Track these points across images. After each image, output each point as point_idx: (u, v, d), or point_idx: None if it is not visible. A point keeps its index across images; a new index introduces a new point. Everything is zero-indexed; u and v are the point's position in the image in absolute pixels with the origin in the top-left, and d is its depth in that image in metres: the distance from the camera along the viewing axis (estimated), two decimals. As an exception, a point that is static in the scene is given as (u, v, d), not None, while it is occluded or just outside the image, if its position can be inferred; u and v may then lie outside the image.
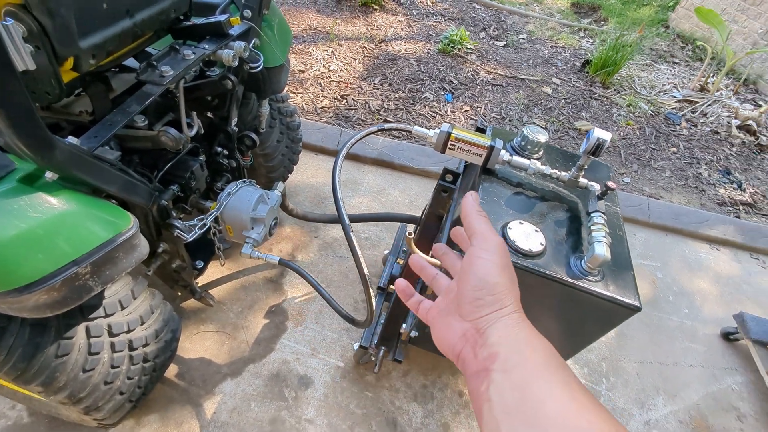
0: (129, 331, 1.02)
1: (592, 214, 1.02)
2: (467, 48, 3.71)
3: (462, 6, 4.65)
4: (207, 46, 1.09)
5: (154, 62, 0.95)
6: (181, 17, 1.12)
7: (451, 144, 1.13)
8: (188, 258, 1.34)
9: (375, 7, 4.10)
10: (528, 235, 0.97)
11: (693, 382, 1.83)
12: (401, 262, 1.65)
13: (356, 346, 1.49)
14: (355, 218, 1.71)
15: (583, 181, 1.11)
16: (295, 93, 2.92)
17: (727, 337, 2.02)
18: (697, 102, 3.58)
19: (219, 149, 1.44)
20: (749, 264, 2.48)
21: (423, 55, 3.56)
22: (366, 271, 0.93)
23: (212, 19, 1.13)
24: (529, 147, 1.21)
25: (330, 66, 3.21)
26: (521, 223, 0.99)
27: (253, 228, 1.29)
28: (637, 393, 1.75)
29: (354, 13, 3.98)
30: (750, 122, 3.42)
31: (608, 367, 1.81)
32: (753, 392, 1.84)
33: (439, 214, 1.27)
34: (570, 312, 1.00)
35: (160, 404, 1.40)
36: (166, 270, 1.33)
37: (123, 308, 1.01)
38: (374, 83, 3.14)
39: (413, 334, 1.16)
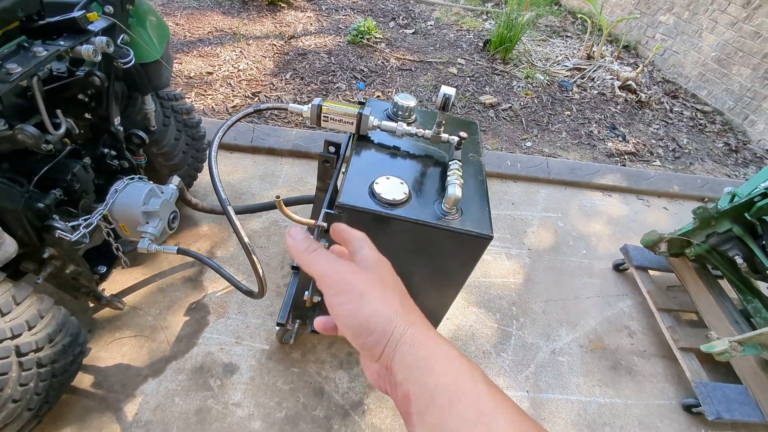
0: (15, 337, 1.01)
1: (450, 163, 1.15)
2: (376, 37, 3.84)
3: (370, -2, 4.77)
4: (62, 42, 1.08)
5: (-1, 61, 0.94)
6: (34, 17, 1.11)
7: (323, 117, 1.21)
8: (84, 263, 1.32)
9: (282, 5, 4.11)
10: (394, 188, 1.08)
11: (591, 311, 2.08)
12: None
13: (276, 326, 1.54)
14: (256, 208, 1.75)
15: (444, 136, 1.24)
16: (204, 95, 2.87)
17: (618, 268, 2.30)
18: (585, 69, 3.97)
19: (106, 150, 1.42)
20: (636, 204, 2.82)
21: (333, 48, 3.63)
22: (247, 240, 0.99)
23: (67, 16, 1.12)
24: (401, 113, 1.33)
25: (239, 66, 3.19)
26: (388, 178, 1.10)
27: (147, 223, 1.30)
28: (543, 328, 1.95)
29: (261, 12, 3.96)
30: (630, 82, 3.86)
31: (518, 310, 2.01)
32: (640, 311, 2.12)
33: (326, 185, 1.35)
34: (439, 251, 1.12)
35: (76, 415, 1.36)
36: (62, 278, 1.30)
37: (3, 314, 0.99)
38: (285, 78, 3.16)
39: (316, 299, 1.24)
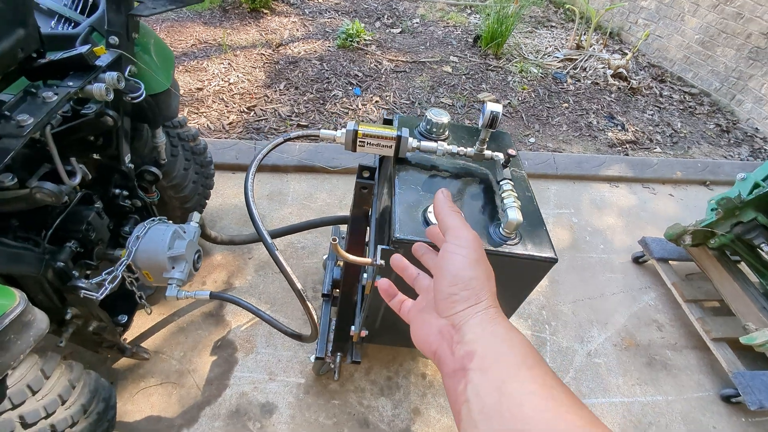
0: (49, 416, 0.91)
1: (501, 182, 1.09)
2: (365, 40, 3.75)
3: (352, -2, 4.66)
4: (71, 83, 0.97)
5: (6, 112, 0.84)
6: (34, 55, 1.00)
7: (360, 141, 1.14)
8: (107, 316, 1.22)
9: (265, 11, 3.96)
10: (448, 215, 1.01)
11: (618, 307, 2.07)
12: (341, 264, 1.64)
13: (312, 358, 1.46)
14: (285, 231, 1.66)
15: (487, 153, 1.18)
16: (197, 113, 2.74)
17: (637, 260, 2.30)
18: (576, 59, 3.98)
19: (117, 191, 1.31)
20: (643, 193, 2.84)
21: (324, 54, 3.52)
22: (300, 286, 0.92)
23: (72, 52, 1.01)
24: (434, 130, 1.26)
25: (229, 79, 3.06)
26: (440, 205, 1.04)
27: (174, 267, 1.20)
28: (575, 330, 1.93)
29: (244, 20, 3.81)
30: (621, 70, 3.88)
31: (548, 313, 1.98)
32: (665, 303, 2.13)
33: (364, 212, 1.28)
34: (499, 277, 1.07)
35: (111, 480, 1.26)
36: (84, 335, 1.20)
37: (34, 393, 0.89)
38: (280, 89, 3.05)
39: (364, 333, 1.17)
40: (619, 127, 3.36)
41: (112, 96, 1.04)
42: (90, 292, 1.02)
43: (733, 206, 1.80)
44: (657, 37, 4.59)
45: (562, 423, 0.27)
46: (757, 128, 3.78)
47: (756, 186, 1.77)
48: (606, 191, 2.79)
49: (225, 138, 2.57)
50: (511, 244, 1.00)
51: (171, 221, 1.32)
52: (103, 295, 1.03)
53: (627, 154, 3.11)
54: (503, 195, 1.05)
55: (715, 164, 3.16)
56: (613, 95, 3.72)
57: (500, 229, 1.01)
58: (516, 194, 1.04)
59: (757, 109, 3.80)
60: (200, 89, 2.92)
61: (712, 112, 3.92)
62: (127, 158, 1.28)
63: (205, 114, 2.73)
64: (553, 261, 1.00)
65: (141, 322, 1.64)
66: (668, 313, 2.08)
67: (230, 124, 2.69)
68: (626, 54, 4.23)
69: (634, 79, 3.97)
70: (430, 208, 1.02)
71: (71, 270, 1.04)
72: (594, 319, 1.99)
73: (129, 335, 1.57)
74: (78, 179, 1.04)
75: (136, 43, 1.24)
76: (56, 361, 0.97)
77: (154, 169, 1.37)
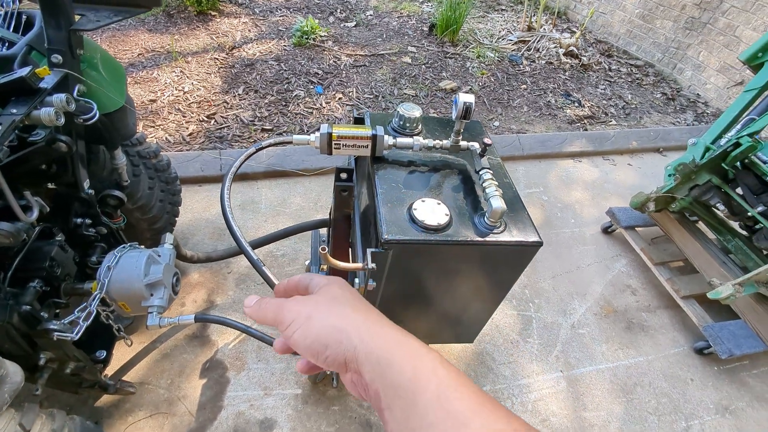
0: (35, 472, 0.84)
1: (480, 172, 1.11)
2: (321, 36, 3.67)
3: (302, -6, 4.55)
4: (15, 110, 0.89)
5: (-56, 149, 0.75)
6: (-35, 83, 0.90)
7: (335, 143, 1.11)
8: (84, 355, 1.14)
9: (213, 13, 3.80)
10: (433, 210, 1.01)
11: (594, 277, 2.16)
12: (324, 268, 1.62)
13: (308, 367, 1.43)
14: (263, 241, 1.61)
15: (463, 144, 1.19)
16: (153, 126, 2.60)
17: (606, 231, 2.41)
18: (529, 40, 4.07)
19: (79, 220, 1.22)
20: (604, 165, 2.97)
21: (280, 53, 3.43)
22: (293, 299, 0.89)
23: (12, 76, 0.92)
24: (407, 125, 1.25)
25: (184, 87, 2.92)
26: (423, 201, 1.03)
27: (152, 295, 1.14)
28: (558, 305, 2.01)
29: (191, 24, 3.64)
30: (571, 48, 4.02)
31: (530, 292, 2.04)
32: (636, 268, 2.25)
33: (345, 215, 1.26)
34: (488, 265, 1.09)
35: None
36: (62, 378, 1.12)
37: (17, 450, 0.82)
38: (239, 94, 2.94)
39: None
40: (576, 104, 3.49)
41: (62, 120, 0.97)
42: (63, 333, 0.95)
43: (689, 171, 1.92)
44: (601, 14, 4.78)
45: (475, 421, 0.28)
46: (698, 94, 4.03)
47: (707, 150, 1.89)
48: (570, 167, 2.89)
49: (187, 150, 2.46)
50: (497, 233, 1.01)
51: (142, 245, 1.25)
52: (79, 334, 0.97)
53: (586, 129, 3.23)
54: (484, 185, 1.06)
55: (665, 131, 3.34)
56: (566, 73, 3.85)
57: (485, 218, 1.02)
58: (496, 183, 1.05)
59: (697, 76, 4.05)
60: (153, 101, 2.77)
61: (657, 82, 4.13)
62: (86, 184, 1.20)
63: (162, 127, 2.59)
64: (538, 244, 1.03)
65: (121, 354, 1.55)
66: (640, 277, 2.20)
67: (190, 134, 2.57)
68: (575, 32, 4.38)
69: (585, 56, 4.12)
70: (416, 205, 1.01)
71: (39, 312, 0.97)
72: (574, 292, 2.07)
73: (110, 370, 1.49)
74: (35, 214, 0.96)
75: (82, 59, 1.15)
76: (35, 413, 0.90)
77: (117, 193, 1.29)
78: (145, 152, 1.55)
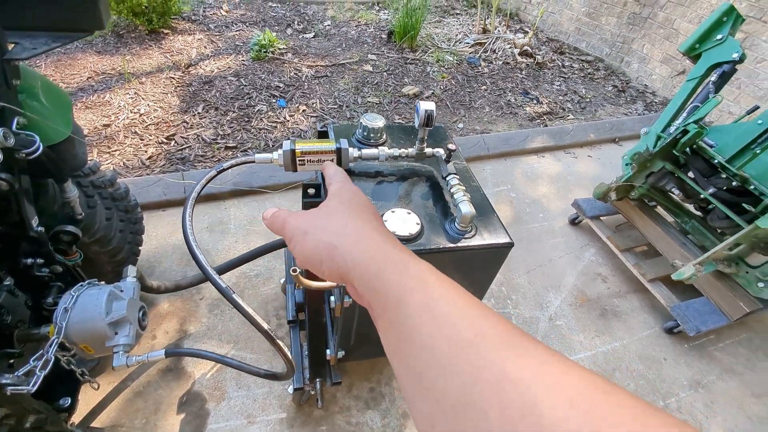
0: None
1: (447, 178, 1.11)
2: (280, 49, 3.64)
3: (258, 8, 4.50)
4: (-54, 152, 0.82)
5: None
6: None
7: (299, 160, 1.09)
8: (44, 405, 1.06)
9: (165, 31, 3.69)
10: (404, 220, 1.01)
11: (566, 268, 2.23)
12: (301, 287, 1.58)
13: (291, 389, 1.40)
14: (233, 264, 1.56)
15: (428, 150, 1.19)
16: (109, 152, 2.48)
17: (574, 222, 2.49)
18: (485, 42, 4.19)
19: (30, 261, 1.14)
20: (566, 159, 3.07)
21: (239, 68, 3.36)
22: (266, 326, 0.86)
23: (-62, 115, 0.86)
24: (372, 135, 1.25)
25: (139, 109, 2.81)
26: (393, 212, 1.03)
27: (117, 333, 1.08)
28: (534, 299, 2.05)
29: (143, 43, 3.51)
30: (526, 47, 4.16)
31: (507, 288, 2.08)
32: (605, 256, 2.33)
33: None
34: (463, 269, 1.09)
35: None
36: (21, 433, 1.03)
37: None
38: (198, 112, 2.86)
39: (340, 355, 1.14)
40: (535, 101, 3.60)
41: (0, 156, 0.90)
42: (18, 387, 0.88)
43: (644, 159, 2.01)
44: (551, 14, 4.98)
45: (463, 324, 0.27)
46: (646, 85, 4.26)
47: (658, 138, 1.99)
48: (534, 163, 2.98)
49: (147, 174, 2.36)
50: (468, 237, 1.02)
51: (103, 281, 1.18)
52: (36, 386, 0.90)
53: (546, 125, 3.34)
54: (452, 190, 1.06)
55: (619, 122, 3.51)
56: (523, 72, 3.97)
57: (455, 224, 1.02)
58: (464, 187, 1.06)
59: (643, 68, 4.28)
60: (107, 125, 2.64)
61: (607, 76, 4.34)
62: (35, 221, 1.12)
63: (118, 152, 2.48)
64: (510, 245, 1.04)
65: (89, 397, 1.46)
66: (609, 264, 2.28)
67: (150, 158, 2.47)
68: (527, 32, 4.54)
69: (539, 55, 4.27)
70: (386, 216, 1.01)
71: (-11, 365, 0.89)
72: (548, 285, 2.12)
73: (77, 417, 1.39)
74: (-23, 260, 0.88)
75: (20, 89, 1.08)
76: (-8, 476, 0.82)
77: (70, 228, 1.21)
78: (100, 181, 1.47)
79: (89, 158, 2.40)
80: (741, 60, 1.90)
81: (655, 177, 2.05)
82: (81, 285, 1.09)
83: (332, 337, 1.25)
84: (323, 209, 0.41)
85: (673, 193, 2.16)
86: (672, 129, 1.98)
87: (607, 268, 2.26)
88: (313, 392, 1.40)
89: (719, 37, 1.96)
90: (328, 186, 0.45)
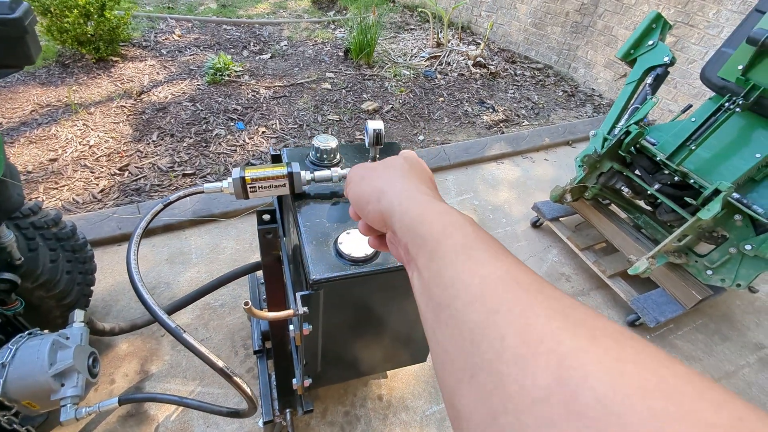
0: None
1: (401, 195, 1.12)
2: (236, 71, 3.60)
3: (212, 31, 4.46)
4: None
5: None
6: None
7: (250, 187, 1.08)
8: (-16, 472, 0.97)
9: (114, 58, 3.58)
10: (359, 241, 1.01)
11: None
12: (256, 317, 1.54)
13: (261, 423, 1.35)
14: (195, 296, 1.51)
15: (381, 169, 1.21)
16: (56, 188, 2.36)
17: (535, 225, 2.57)
18: (439, 55, 4.31)
19: (-39, 315, 1.06)
20: (524, 163, 3.18)
21: (194, 93, 3.30)
22: (221, 363, 0.83)
23: None
24: (325, 156, 1.25)
25: (89, 141, 2.69)
26: (348, 233, 1.02)
27: (64, 384, 1.01)
28: (503, 303, 2.08)
29: (91, 72, 3.39)
30: (479, 59, 4.31)
31: (476, 295, 2.10)
32: (566, 256, 2.41)
33: (275, 257, 1.22)
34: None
35: None
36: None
37: None
38: (153, 140, 2.77)
39: (308, 383, 1.11)
40: (491, 110, 3.73)
41: None
42: (-51, 457, 0.80)
43: (593, 161, 2.11)
44: (500, 25, 5.20)
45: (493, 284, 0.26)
46: (593, 88, 4.49)
47: (605, 140, 2.10)
48: (494, 169, 3.06)
49: (100, 209, 2.25)
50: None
51: (47, 330, 1.11)
52: (-30, 452, 0.82)
53: (503, 132, 3.46)
54: (406, 207, 1.07)
55: (571, 125, 3.67)
56: (478, 82, 4.11)
57: (411, 240, 1.03)
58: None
59: (589, 73, 4.52)
60: (54, 160, 2.52)
61: (557, 82, 4.55)
62: (-34, 272, 1.04)
63: (67, 187, 2.36)
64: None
65: (39, 455, 1.35)
66: (571, 264, 2.36)
67: (102, 191, 2.36)
68: (480, 44, 4.71)
69: (492, 65, 4.44)
70: (341, 239, 1.00)
71: None
72: (515, 288, 2.16)
73: (26, 478, 1.28)
74: None
75: (-58, 133, 1.02)
76: None
77: (7, 275, 1.14)
78: (42, 222, 1.40)
79: (35, 197, 2.28)
80: (672, 63, 2.04)
81: (606, 177, 2.15)
82: (20, 336, 1.02)
83: (298, 365, 1.22)
84: (386, 162, 0.44)
85: (624, 191, 2.27)
86: (616, 130, 2.09)
87: (570, 268, 2.33)
88: (284, 423, 1.35)
89: (650, 42, 2.10)
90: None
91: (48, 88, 3.15)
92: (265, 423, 1.30)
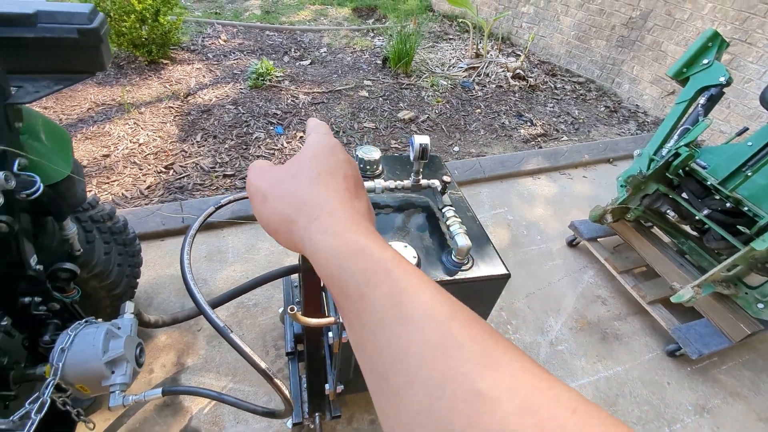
0: None
1: (443, 210, 1.13)
2: (277, 76, 3.71)
3: (255, 37, 4.62)
4: (-53, 197, 0.84)
5: None
6: None
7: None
8: (39, 449, 1.04)
9: (165, 61, 3.77)
10: (401, 252, 1.02)
11: (566, 291, 2.22)
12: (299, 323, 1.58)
13: (290, 424, 1.37)
14: (231, 295, 1.55)
15: (424, 182, 1.21)
16: (108, 183, 2.50)
17: (571, 244, 2.50)
18: (478, 66, 4.29)
19: (27, 300, 1.14)
20: (561, 180, 3.10)
21: (237, 97, 3.43)
22: (264, 365, 0.86)
23: (-59, 161, 0.87)
24: (368, 167, 1.27)
25: (139, 139, 2.85)
26: (390, 244, 1.04)
27: (114, 372, 1.07)
28: (534, 323, 2.03)
29: (143, 74, 3.59)
30: (518, 71, 4.25)
31: (507, 313, 2.06)
32: (603, 278, 2.33)
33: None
34: (463, 302, 1.09)
35: None
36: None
37: None
38: (197, 141, 2.90)
39: (340, 389, 1.12)
40: (529, 123, 3.67)
41: (2, 199, 0.91)
42: (13, 432, 0.86)
43: (638, 182, 2.04)
44: (541, 37, 5.12)
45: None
46: (637, 105, 4.34)
47: (651, 161, 2.02)
48: (531, 184, 3.01)
49: (146, 205, 2.37)
50: (465, 269, 1.03)
51: (100, 318, 1.18)
52: (32, 430, 0.88)
53: (540, 147, 3.39)
54: (448, 222, 1.08)
55: (612, 142, 3.56)
56: (516, 95, 4.06)
57: (452, 256, 1.03)
58: (459, 219, 1.08)
59: (634, 88, 4.37)
60: (107, 156, 2.67)
61: (599, 97, 4.43)
62: (33, 260, 1.12)
63: (117, 182, 2.50)
64: (506, 277, 1.05)
65: (82, 436, 1.43)
66: (607, 286, 2.28)
67: (148, 188, 2.49)
68: (519, 56, 4.65)
69: (531, 77, 4.37)
70: (382, 251, 1.02)
71: (-17, 412, 0.88)
72: (548, 309, 2.11)
73: (70, 457, 1.36)
74: (-25, 305, 0.88)
75: (22, 131, 1.10)
76: None
77: (69, 265, 1.22)
78: (99, 216, 1.48)
79: (88, 191, 2.42)
80: (728, 83, 1.94)
81: (650, 199, 2.07)
82: (78, 324, 1.09)
83: (331, 371, 1.24)
84: (291, 166, 0.37)
85: (669, 215, 2.18)
86: (664, 151, 2.01)
87: (606, 290, 2.25)
88: (312, 426, 1.37)
89: (705, 61, 2.01)
90: (307, 138, 0.40)
91: (104, 87, 3.36)
92: (294, 424, 1.32)
